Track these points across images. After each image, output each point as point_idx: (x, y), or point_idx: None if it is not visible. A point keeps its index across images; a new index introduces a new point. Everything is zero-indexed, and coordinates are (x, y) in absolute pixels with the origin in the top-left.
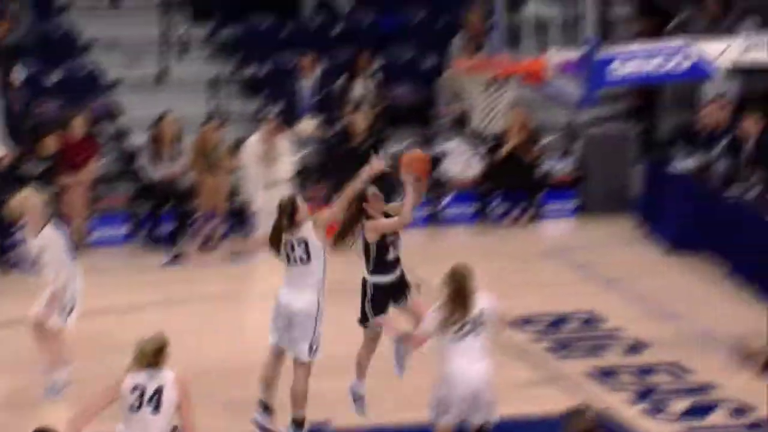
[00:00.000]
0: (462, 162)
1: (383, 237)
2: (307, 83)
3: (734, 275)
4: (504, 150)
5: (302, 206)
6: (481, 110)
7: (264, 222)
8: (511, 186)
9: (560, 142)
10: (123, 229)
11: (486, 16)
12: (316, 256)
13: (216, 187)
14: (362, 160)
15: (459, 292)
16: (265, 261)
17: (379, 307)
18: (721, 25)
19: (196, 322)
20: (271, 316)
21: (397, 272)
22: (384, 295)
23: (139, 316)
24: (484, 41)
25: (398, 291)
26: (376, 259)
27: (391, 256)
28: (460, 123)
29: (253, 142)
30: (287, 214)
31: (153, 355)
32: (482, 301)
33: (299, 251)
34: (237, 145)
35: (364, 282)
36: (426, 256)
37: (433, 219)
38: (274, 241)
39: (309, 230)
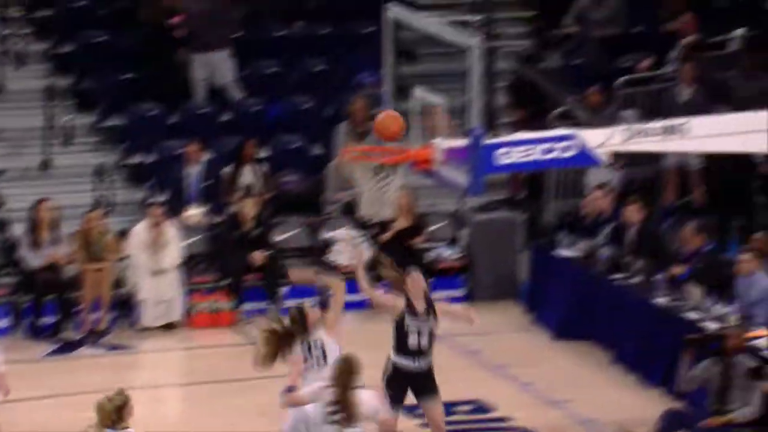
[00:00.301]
0: (351, 249)
1: (402, 318)
2: (194, 171)
3: (619, 361)
4: (389, 233)
5: (311, 311)
6: (369, 198)
7: (150, 311)
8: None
9: (447, 229)
10: (4, 321)
11: (372, 104)
12: (333, 356)
13: (101, 276)
14: (251, 247)
15: (344, 390)
16: (148, 351)
17: (394, 390)
18: (602, 114)
19: (79, 414)
20: (289, 422)
21: (420, 364)
22: (402, 380)
23: (20, 408)
24: (370, 129)
25: (420, 385)
26: (397, 339)
27: (411, 341)
28: (349, 210)
29: (140, 231)
30: (299, 324)
31: (116, 413)
32: (362, 397)
33: (317, 352)
34: (123, 234)
35: (388, 357)
36: None
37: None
38: (275, 351)
39: (323, 332)
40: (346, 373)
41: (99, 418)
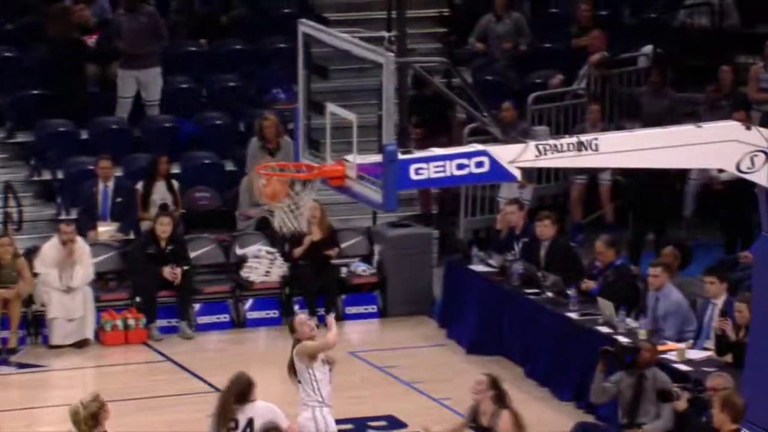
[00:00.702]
0: (264, 265)
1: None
2: (105, 187)
3: (531, 376)
4: (302, 247)
5: (299, 327)
6: (282, 213)
7: (60, 329)
8: (313, 289)
9: (361, 245)
10: None
11: (283, 120)
12: (301, 377)
13: (9, 297)
14: (165, 264)
15: (225, 403)
16: (58, 369)
17: None
18: (515, 130)
19: None
20: None
21: None
22: None
23: None
24: (281, 145)
25: None
26: None
27: None
28: (263, 227)
29: (49, 248)
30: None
31: (92, 418)
32: (256, 410)
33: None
34: (32, 251)
35: None
36: (226, 361)
37: (235, 323)
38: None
39: (295, 353)
40: (232, 389)
41: (74, 424)
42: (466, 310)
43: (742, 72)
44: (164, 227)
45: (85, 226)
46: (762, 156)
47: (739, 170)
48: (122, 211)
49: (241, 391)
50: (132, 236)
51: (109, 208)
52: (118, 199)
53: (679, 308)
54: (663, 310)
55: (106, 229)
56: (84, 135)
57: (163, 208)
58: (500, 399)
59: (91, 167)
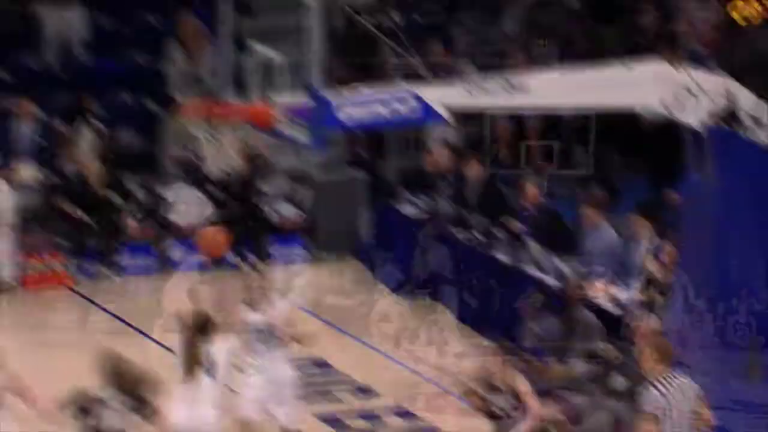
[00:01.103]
0: (190, 207)
1: None
2: (25, 128)
3: (461, 317)
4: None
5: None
6: (208, 154)
7: None
8: (241, 230)
9: (289, 187)
10: None
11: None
12: None
13: None
14: (98, 206)
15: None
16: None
17: None
18: (444, 70)
19: None
20: None
21: None
22: None
23: None
24: (202, 49)
25: None
26: None
27: None
28: (187, 168)
29: None
30: None
31: None
32: (218, 348)
33: None
34: None
35: None
36: (153, 304)
37: (160, 266)
38: None
39: None
40: (193, 325)
41: None
42: (395, 252)
43: (669, 10)
44: (93, 170)
45: (5, 167)
46: (690, 96)
47: (667, 110)
48: (44, 153)
49: (202, 324)
50: (54, 178)
51: (30, 148)
52: (40, 140)
53: (610, 248)
54: (594, 249)
55: (27, 171)
56: (3, 74)
57: (93, 152)
58: None
59: (11, 107)
